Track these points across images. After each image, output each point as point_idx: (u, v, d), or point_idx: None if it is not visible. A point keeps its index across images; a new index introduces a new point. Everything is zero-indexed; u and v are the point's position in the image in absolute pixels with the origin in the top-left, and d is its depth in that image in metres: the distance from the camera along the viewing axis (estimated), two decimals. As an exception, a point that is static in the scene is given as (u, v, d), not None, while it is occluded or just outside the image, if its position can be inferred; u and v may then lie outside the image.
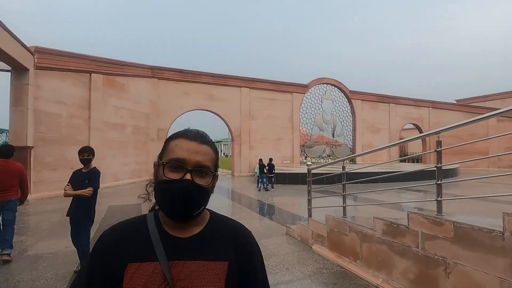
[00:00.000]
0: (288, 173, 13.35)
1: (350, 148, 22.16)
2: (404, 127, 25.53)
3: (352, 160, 21.99)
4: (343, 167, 3.96)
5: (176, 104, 16.43)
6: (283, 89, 19.51)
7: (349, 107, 22.26)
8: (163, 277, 0.69)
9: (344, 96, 22.06)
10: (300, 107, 20.23)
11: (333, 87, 21.61)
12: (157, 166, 0.78)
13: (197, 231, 0.78)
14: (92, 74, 11.74)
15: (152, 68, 15.67)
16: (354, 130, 22.21)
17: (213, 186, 0.79)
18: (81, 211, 3.51)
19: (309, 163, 5.17)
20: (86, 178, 3.58)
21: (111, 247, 0.74)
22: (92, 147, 3.78)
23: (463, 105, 25.65)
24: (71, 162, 10.81)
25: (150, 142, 15.52)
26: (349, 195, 3.90)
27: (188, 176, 0.72)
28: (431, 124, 25.53)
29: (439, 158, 2.71)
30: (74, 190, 3.48)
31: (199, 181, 0.73)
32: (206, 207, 0.80)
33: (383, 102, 23.53)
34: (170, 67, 16.40)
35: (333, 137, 21.54)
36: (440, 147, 2.73)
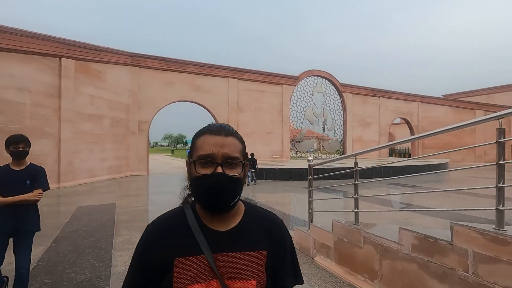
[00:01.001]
0: (278, 168, 12.67)
1: (340, 143, 21.73)
2: (393, 122, 25.37)
3: (342, 155, 21.60)
4: (355, 163, 3.23)
5: (159, 94, 15.35)
6: (273, 81, 18.72)
7: (339, 101, 21.75)
8: (210, 269, 0.73)
9: (335, 89, 21.51)
10: (290, 99, 19.52)
11: (324, 79, 21.01)
12: (188, 164, 0.81)
13: (235, 224, 0.81)
14: (62, 59, 10.54)
15: (132, 55, 14.50)
16: (344, 124, 21.75)
17: (244, 176, 0.81)
18: (23, 221, 2.62)
19: (310, 158, 4.42)
20: (26, 177, 2.65)
21: (157, 241, 0.77)
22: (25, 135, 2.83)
23: (451, 100, 25.70)
24: (39, 157, 9.71)
25: (131, 136, 14.45)
26: (362, 197, 3.23)
27: (219, 170, 0.74)
28: (419, 118, 25.46)
29: (501, 153, 2.01)
30: (8, 194, 2.55)
31: (230, 172, 0.75)
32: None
33: (374, 96, 23.17)
34: (152, 54, 15.26)
35: (324, 131, 21.02)
36: (504, 137, 2.03)
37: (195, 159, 0.77)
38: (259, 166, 12.10)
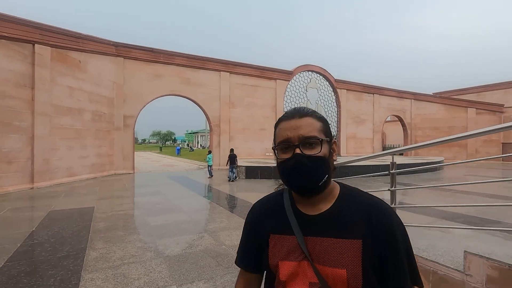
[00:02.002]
0: (273, 166, 11.95)
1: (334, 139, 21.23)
2: (386, 119, 25.12)
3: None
4: (393, 164, 2.55)
5: (146, 88, 14.38)
6: (266, 75, 17.97)
7: (334, 97, 21.24)
8: (300, 250, 0.76)
9: (329, 85, 20.97)
10: (284, 95, 18.85)
11: (318, 75, 20.43)
12: (274, 152, 0.82)
13: (325, 208, 0.79)
14: (36, 45, 9.48)
15: (117, 45, 13.46)
16: (339, 121, 21.28)
17: (331, 152, 0.79)
18: None
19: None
20: None
21: (259, 218, 0.88)
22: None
23: (444, 97, 25.63)
24: (8, 154, 8.72)
25: (115, 131, 13.45)
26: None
27: (297, 151, 0.74)
28: (412, 115, 25.30)
29: None
30: None
31: (309, 152, 0.75)
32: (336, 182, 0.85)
33: (368, 93, 22.79)
34: (138, 44, 14.24)
35: (318, 128, 20.45)
36: None
37: (275, 145, 0.81)
38: (253, 164, 11.44)
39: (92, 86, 11.99)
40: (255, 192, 8.99)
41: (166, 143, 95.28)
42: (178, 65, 15.18)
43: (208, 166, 12.89)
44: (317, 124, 0.77)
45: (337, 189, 0.82)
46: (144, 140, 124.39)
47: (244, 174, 11.92)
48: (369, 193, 0.84)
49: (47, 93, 9.78)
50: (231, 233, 4.61)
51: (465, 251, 1.89)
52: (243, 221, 4.74)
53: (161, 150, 52.60)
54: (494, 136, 22.60)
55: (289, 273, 0.75)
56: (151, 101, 14.66)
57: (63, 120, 10.55)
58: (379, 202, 0.79)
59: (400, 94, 24.68)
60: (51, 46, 10.02)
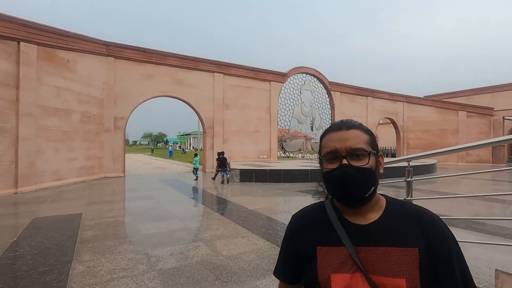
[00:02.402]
0: (269, 169, 11.77)
1: (328, 142, 21.20)
2: (380, 122, 25.25)
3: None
4: (409, 172, 2.36)
5: (138, 88, 14.01)
6: (260, 77, 17.80)
7: (328, 99, 21.22)
8: (352, 261, 0.74)
9: (323, 87, 20.95)
10: (279, 97, 18.70)
11: (312, 77, 20.38)
12: (319, 163, 0.84)
13: (375, 218, 0.79)
14: (21, 43, 9.06)
15: (107, 44, 13.07)
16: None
17: (377, 166, 0.80)
18: None
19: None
20: None
21: (300, 230, 0.87)
22: None
23: (435, 100, 25.95)
24: (-10, 157, 8.25)
25: (105, 133, 13.03)
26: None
27: (344, 162, 0.76)
28: (405, 118, 25.52)
29: None
30: None
31: (356, 163, 0.76)
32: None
33: (361, 95, 22.87)
34: (130, 44, 13.88)
35: (312, 130, 20.39)
36: None
37: (321, 156, 0.82)
38: (248, 167, 11.20)
39: (81, 86, 11.57)
40: (251, 196, 8.75)
41: (158, 145, 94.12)
42: (170, 65, 14.87)
43: (194, 169, 13.11)
44: (364, 137, 0.79)
45: (382, 200, 0.83)
46: (135, 142, 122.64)
47: (238, 177, 11.67)
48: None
49: (32, 93, 9.35)
50: (228, 241, 4.37)
51: (496, 270, 1.71)
52: (240, 228, 4.48)
53: (152, 152, 51.80)
54: (484, 139, 22.92)
55: (343, 286, 0.74)
56: (143, 102, 14.30)
57: (49, 121, 10.11)
58: (427, 212, 0.81)
59: (393, 97, 24.88)
60: (38, 44, 9.60)
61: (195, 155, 13.92)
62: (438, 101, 25.73)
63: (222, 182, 11.26)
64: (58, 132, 10.46)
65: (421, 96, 28.35)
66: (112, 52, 13.26)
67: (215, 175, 12.08)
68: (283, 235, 0.92)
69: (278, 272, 0.90)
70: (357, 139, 0.77)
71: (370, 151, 0.77)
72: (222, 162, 11.73)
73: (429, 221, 0.77)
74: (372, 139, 0.81)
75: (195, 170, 13.14)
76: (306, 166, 13.30)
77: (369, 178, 0.76)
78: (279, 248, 3.70)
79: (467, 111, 23.69)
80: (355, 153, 0.76)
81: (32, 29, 9.46)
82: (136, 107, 14.14)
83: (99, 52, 12.64)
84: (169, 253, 3.90)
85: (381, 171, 0.82)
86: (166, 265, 3.53)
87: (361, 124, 0.83)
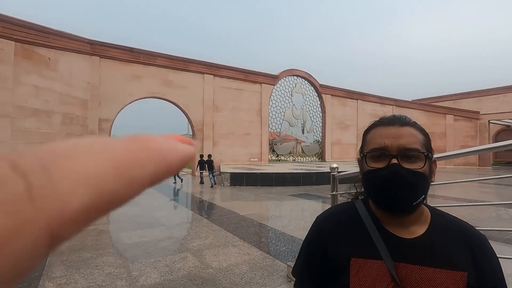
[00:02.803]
0: (260, 173, 11.47)
1: (319, 145, 21.12)
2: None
3: (321, 158, 21.02)
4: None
5: (124, 89, 13.51)
6: (251, 79, 17.55)
7: (319, 102, 21.16)
8: (390, 277, 0.65)
9: (314, 90, 20.88)
10: (270, 99, 18.49)
11: (303, 80, 20.28)
12: (360, 160, 0.74)
13: (422, 232, 0.69)
14: (-4, 38, 8.52)
15: (92, 43, 12.56)
16: (323, 126, 21.18)
17: (431, 172, 0.68)
18: None
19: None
20: None
21: (329, 233, 0.75)
22: None
23: (424, 104, 26.34)
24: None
25: (89, 136, 12.44)
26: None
27: (394, 161, 0.65)
28: (394, 122, 25.75)
29: None
30: None
31: (409, 166, 0.65)
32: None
33: (352, 98, 22.94)
34: (116, 43, 13.39)
35: (303, 133, 20.24)
36: None
37: (366, 152, 0.70)
38: (238, 171, 10.88)
39: (63, 86, 11.01)
40: (241, 200, 8.42)
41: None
42: (159, 66, 14.45)
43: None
44: (420, 137, 0.69)
45: (427, 211, 0.73)
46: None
47: (229, 181, 11.31)
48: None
49: (8, 93, 8.79)
50: (218, 251, 4.03)
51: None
52: (231, 235, 3.97)
53: (140, 155, 50.73)
54: (471, 143, 23.36)
55: None
56: (130, 103, 13.80)
57: (27, 123, 9.53)
58: (476, 231, 0.72)
59: (382, 101, 25.10)
60: (15, 40, 9.06)
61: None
62: (427, 105, 26.13)
63: (212, 186, 10.90)
64: (37, 134, 9.87)
65: (410, 99, 28.77)
66: (97, 51, 12.75)
67: (202, 179, 11.80)
68: (307, 236, 0.80)
69: (300, 275, 0.78)
70: (412, 138, 0.67)
71: (426, 154, 0.66)
72: (209, 165, 11.52)
73: (479, 242, 0.69)
74: (428, 141, 0.70)
75: (177, 173, 12.76)
76: (298, 169, 13.07)
77: (421, 184, 0.65)
78: (273, 258, 3.36)
79: (454, 115, 24.10)
80: (408, 153, 0.65)
81: (9, 24, 8.93)
82: (123, 108, 13.63)
83: (83, 50, 12.11)
84: (153, 266, 3.52)
85: (433, 179, 0.70)
86: (149, 280, 3.16)
87: (416, 122, 0.72)
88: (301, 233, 4.93)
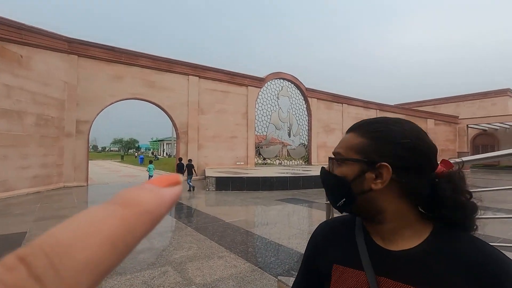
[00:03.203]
0: (246, 177, 11.21)
1: (305, 149, 21.12)
2: (354, 128, 25.74)
3: (307, 161, 21.02)
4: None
5: (105, 90, 12.92)
6: (237, 81, 17.31)
7: (305, 106, 21.20)
8: None
9: (300, 94, 20.90)
10: (256, 102, 18.31)
11: (289, 83, 20.26)
12: None
13: (411, 246, 0.61)
14: (-39, 33, 7.87)
15: (70, 41, 11.95)
16: (309, 129, 21.21)
17: (361, 177, 0.62)
18: None
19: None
20: None
21: (322, 243, 0.75)
22: None
23: (406, 108, 27.01)
24: None
25: (66, 138, 11.80)
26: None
27: (325, 166, 0.72)
28: (378, 126, 26.23)
29: None
30: None
31: (336, 170, 0.66)
32: None
33: (337, 102, 23.16)
34: (96, 42, 12.81)
35: (289, 136, 20.18)
36: None
37: None
38: (224, 175, 10.57)
39: (37, 85, 10.37)
40: (227, 206, 8.12)
41: (129, 151, 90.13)
42: (142, 66, 13.95)
43: (150, 176, 12.30)
44: (356, 141, 0.65)
45: (427, 225, 0.62)
46: (105, 148, 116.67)
47: (214, 185, 10.97)
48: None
49: (-25, 91, 8.12)
50: (202, 264, 3.74)
51: None
52: (216, 245, 3.70)
53: (122, 158, 49.20)
54: (451, 146, 24.11)
55: None
56: (110, 105, 13.20)
57: (-3, 124, 8.86)
58: (492, 258, 0.54)
59: (366, 105, 25.51)
60: (-17, 35, 8.42)
61: (150, 162, 13.26)
62: (409, 109, 26.81)
63: (189, 190, 10.63)
64: (7, 137, 9.21)
65: (393, 103, 29.45)
66: (76, 49, 12.13)
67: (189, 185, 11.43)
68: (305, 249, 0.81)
69: (297, 285, 0.78)
70: (345, 142, 0.68)
71: (348, 158, 0.64)
72: (188, 169, 11.39)
73: (485, 271, 0.52)
74: (369, 145, 0.63)
75: (150, 177, 12.40)
76: (284, 173, 12.91)
77: (338, 188, 0.65)
78: (261, 271, 3.08)
79: (435, 119, 24.82)
80: (335, 158, 0.68)
81: (-24, 18, 8.28)
82: (103, 110, 13.01)
83: (60, 48, 11.48)
84: (128, 284, 3.19)
85: (375, 186, 0.61)
86: (123, 300, 2.83)
87: (364, 126, 0.67)
88: (290, 242, 4.71)
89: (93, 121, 12.67)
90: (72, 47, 12.02)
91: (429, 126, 24.74)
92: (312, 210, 7.66)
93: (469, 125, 24.53)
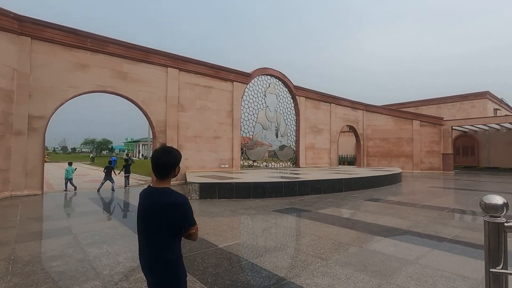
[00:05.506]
0: (235, 183, 9.70)
1: (293, 150, 19.93)
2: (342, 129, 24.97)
3: (295, 164, 19.85)
4: None
5: (65, 80, 10.91)
6: (222, 76, 15.76)
7: (293, 104, 20.03)
8: None
9: (288, 92, 19.71)
10: (242, 99, 16.84)
11: (277, 80, 19.00)
12: None
13: None
14: None
15: (21, 19, 9.89)
16: (297, 129, 20.06)
17: None
18: None
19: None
20: None
21: None
22: None
23: (392, 109, 26.69)
24: None
25: (14, 137, 9.70)
26: None
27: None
28: (364, 126, 25.69)
29: None
30: None
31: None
32: None
33: (325, 102, 22.24)
34: (55, 22, 10.76)
35: (277, 137, 18.88)
36: None
37: None
38: (209, 180, 8.97)
39: (-27, 70, 8.27)
40: (216, 221, 6.55)
41: (102, 152, 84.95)
42: (112, 54, 12.04)
43: (67, 179, 11.73)
44: None
45: None
46: (75, 149, 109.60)
47: (197, 193, 9.37)
48: None
49: None
50: None
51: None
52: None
53: (93, 161, 45.66)
54: (436, 148, 23.97)
55: None
56: (72, 98, 11.18)
57: None
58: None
59: (354, 105, 24.85)
60: None
61: (69, 163, 12.55)
62: (395, 110, 26.50)
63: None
64: None
65: (379, 104, 29.12)
66: (28, 30, 10.07)
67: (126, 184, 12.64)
68: None
69: None
70: None
71: None
72: (126, 169, 12.66)
73: None
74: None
75: (68, 181, 11.70)
76: (275, 177, 11.56)
77: None
78: None
79: (420, 121, 24.62)
80: None
81: None
82: (63, 104, 10.97)
83: (7, 27, 9.43)
84: None
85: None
86: None
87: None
88: (313, 282, 3.28)
89: (50, 117, 10.61)
90: (24, 27, 9.95)
91: (414, 128, 24.50)
92: (320, 225, 6.31)
93: (453, 127, 24.55)
